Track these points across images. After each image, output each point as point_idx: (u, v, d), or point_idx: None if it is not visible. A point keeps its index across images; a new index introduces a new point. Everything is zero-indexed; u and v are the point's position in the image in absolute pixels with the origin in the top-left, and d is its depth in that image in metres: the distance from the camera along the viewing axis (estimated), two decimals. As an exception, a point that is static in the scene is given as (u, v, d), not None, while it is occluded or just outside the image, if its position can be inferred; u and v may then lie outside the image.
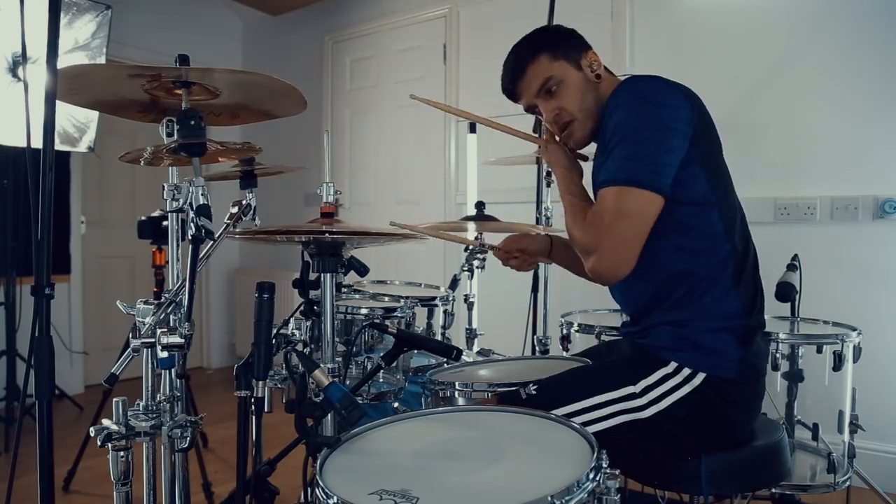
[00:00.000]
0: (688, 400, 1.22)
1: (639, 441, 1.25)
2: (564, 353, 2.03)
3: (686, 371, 1.23)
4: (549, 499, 0.78)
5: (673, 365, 1.24)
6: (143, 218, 2.44)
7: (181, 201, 1.16)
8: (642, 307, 1.35)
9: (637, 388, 1.23)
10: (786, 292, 1.95)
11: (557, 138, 1.46)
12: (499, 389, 1.34)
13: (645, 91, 1.27)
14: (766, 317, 1.36)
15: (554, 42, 1.40)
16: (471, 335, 2.40)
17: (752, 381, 1.28)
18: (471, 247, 1.75)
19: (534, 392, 1.26)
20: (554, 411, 1.15)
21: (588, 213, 1.28)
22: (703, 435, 1.26)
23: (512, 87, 1.45)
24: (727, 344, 1.24)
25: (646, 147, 1.22)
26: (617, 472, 0.86)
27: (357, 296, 2.12)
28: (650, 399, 1.23)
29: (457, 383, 1.37)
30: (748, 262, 1.31)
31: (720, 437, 1.27)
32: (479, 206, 2.15)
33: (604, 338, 1.93)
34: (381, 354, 1.43)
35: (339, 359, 1.37)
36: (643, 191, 1.20)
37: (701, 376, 1.22)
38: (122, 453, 1.21)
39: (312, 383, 1.07)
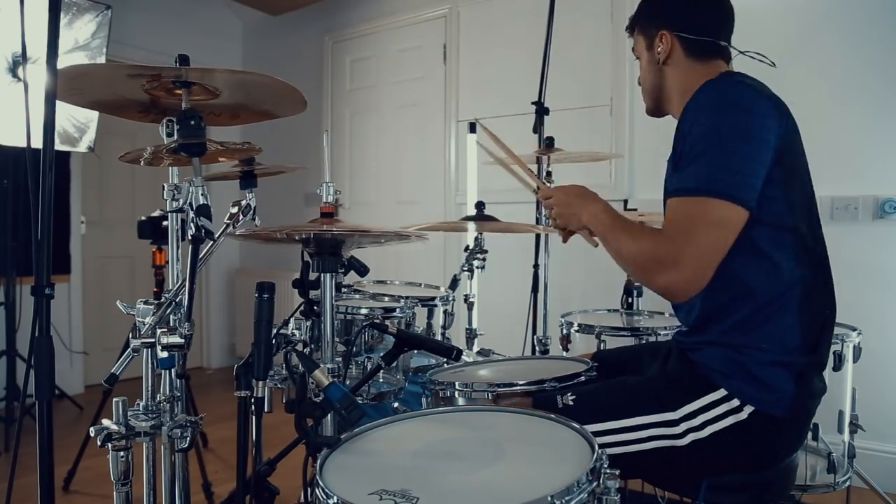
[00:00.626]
0: (729, 432, 1.15)
1: (666, 463, 1.19)
2: (564, 354, 2.03)
3: (735, 402, 1.15)
4: (549, 499, 0.78)
5: (722, 392, 1.16)
6: (143, 218, 2.44)
7: (181, 201, 1.16)
8: (701, 321, 1.25)
9: (676, 416, 1.16)
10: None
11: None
12: (531, 388, 1.29)
13: (732, 96, 1.17)
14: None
15: (644, 14, 1.39)
16: (471, 335, 2.40)
17: (799, 423, 1.21)
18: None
19: (571, 403, 1.21)
20: (589, 426, 1.06)
21: (664, 224, 1.17)
22: (735, 466, 1.19)
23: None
24: (782, 379, 1.16)
25: (734, 157, 1.12)
26: (617, 472, 0.86)
27: (357, 296, 2.12)
28: (689, 427, 1.16)
29: (457, 383, 1.37)
30: (818, 294, 1.21)
31: (750, 470, 1.21)
32: (479, 206, 2.15)
33: (604, 338, 1.92)
34: (381, 354, 1.43)
35: (339, 359, 1.36)
36: (729, 203, 1.10)
37: (748, 409, 1.15)
38: (122, 453, 1.21)
39: (312, 383, 1.07)
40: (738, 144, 1.13)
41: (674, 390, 1.20)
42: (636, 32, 1.41)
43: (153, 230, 2.40)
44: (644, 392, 1.24)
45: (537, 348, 2.47)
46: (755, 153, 1.13)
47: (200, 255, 1.16)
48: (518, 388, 1.30)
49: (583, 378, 1.33)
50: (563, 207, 1.34)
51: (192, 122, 1.13)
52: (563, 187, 1.37)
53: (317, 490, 0.86)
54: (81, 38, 3.17)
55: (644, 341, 1.89)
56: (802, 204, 1.21)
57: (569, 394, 1.22)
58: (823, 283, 1.24)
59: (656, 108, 1.43)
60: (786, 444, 1.21)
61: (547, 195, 1.39)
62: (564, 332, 2.06)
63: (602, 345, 1.93)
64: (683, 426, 1.16)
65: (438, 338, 2.16)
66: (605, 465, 0.87)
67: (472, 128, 2.82)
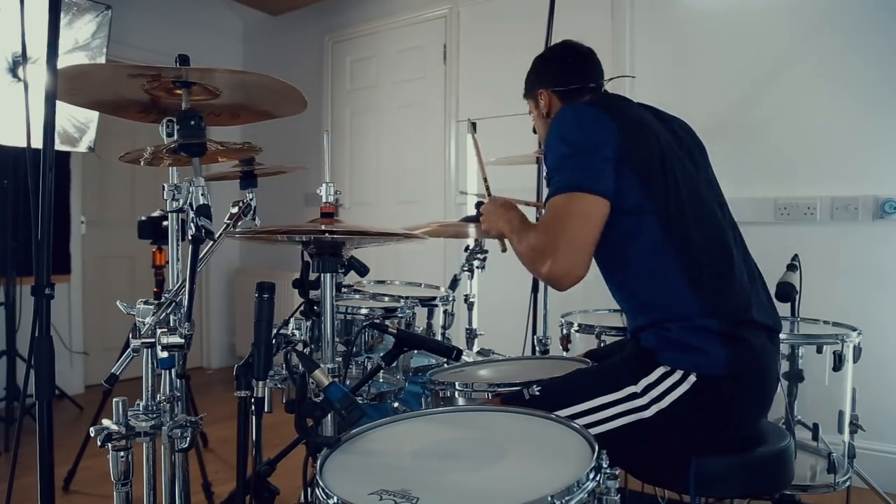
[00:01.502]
0: (685, 398, 1.23)
1: (643, 442, 1.26)
2: (564, 354, 2.03)
3: (679, 373, 1.25)
4: (550, 499, 0.78)
5: (665, 367, 1.26)
6: (143, 218, 2.44)
7: (181, 201, 1.16)
8: (627, 311, 1.42)
9: (638, 388, 1.25)
10: (786, 292, 1.95)
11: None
12: (501, 390, 1.35)
13: (564, 120, 1.37)
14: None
15: (528, 82, 1.65)
16: (471, 335, 2.40)
17: (746, 381, 1.28)
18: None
19: (537, 393, 1.27)
20: (557, 412, 1.16)
21: (540, 221, 1.36)
22: (703, 434, 1.26)
23: None
24: (708, 342, 1.25)
25: (582, 159, 1.31)
26: (617, 472, 0.86)
27: (357, 296, 2.12)
28: (651, 398, 1.24)
29: (457, 383, 1.37)
30: (713, 262, 1.32)
31: (721, 438, 1.27)
32: (479, 206, 2.15)
33: (604, 338, 1.93)
34: (381, 354, 1.43)
35: (339, 359, 1.36)
36: (588, 195, 1.28)
37: (693, 376, 1.24)
38: (122, 453, 1.21)
39: (312, 383, 1.07)
40: (582, 151, 1.32)
41: (630, 370, 1.29)
42: (527, 98, 1.66)
43: (153, 230, 2.40)
44: (605, 375, 1.34)
45: (537, 348, 2.47)
46: (599, 153, 1.30)
47: (200, 255, 1.16)
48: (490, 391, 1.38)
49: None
50: (488, 215, 1.57)
51: (192, 122, 1.13)
52: (493, 198, 1.62)
53: (317, 490, 0.86)
54: (81, 38, 3.17)
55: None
56: (663, 186, 1.33)
57: (535, 386, 1.29)
58: (720, 251, 1.34)
59: None
60: (742, 401, 1.28)
61: (482, 206, 1.63)
62: (564, 332, 2.06)
63: (601, 345, 1.94)
64: (646, 398, 1.25)
65: (438, 338, 2.16)
66: (606, 465, 0.87)
67: (473, 128, 2.82)
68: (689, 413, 1.24)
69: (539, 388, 1.28)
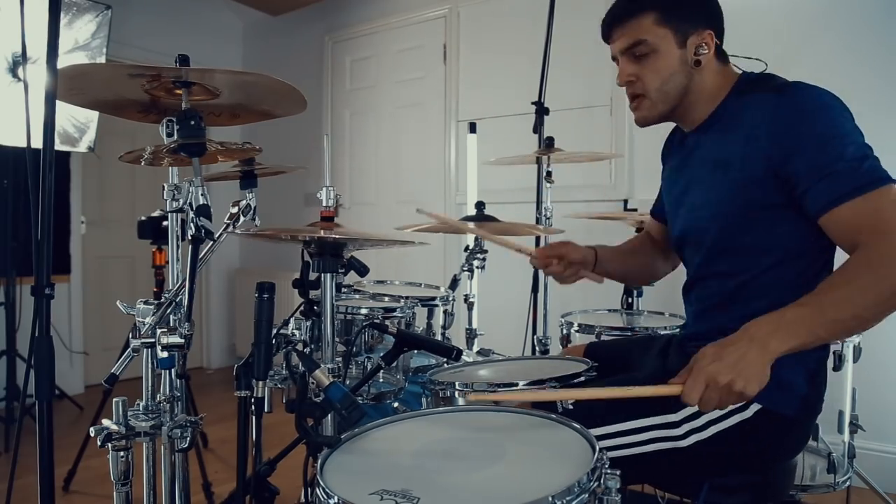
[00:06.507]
0: (733, 432, 1.11)
1: (670, 466, 1.16)
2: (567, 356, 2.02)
3: None
4: (550, 499, 0.78)
5: None
6: (143, 218, 2.44)
7: (181, 201, 1.16)
8: (712, 309, 1.23)
9: (677, 417, 1.13)
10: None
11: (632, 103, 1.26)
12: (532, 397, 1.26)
13: (835, 102, 1.10)
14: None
15: (682, 8, 1.20)
16: (471, 335, 2.40)
17: (807, 423, 1.17)
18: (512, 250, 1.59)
19: (570, 407, 1.17)
20: (590, 431, 1.04)
21: (852, 238, 1.02)
22: (737, 466, 1.17)
23: (608, 29, 1.26)
24: (796, 378, 1.11)
25: (868, 149, 1.07)
26: (617, 472, 0.86)
27: (357, 296, 2.12)
28: (691, 428, 1.12)
29: (457, 383, 1.37)
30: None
31: (752, 471, 1.18)
32: (479, 206, 2.15)
33: (603, 338, 1.92)
34: (381, 354, 1.43)
35: (339, 359, 1.37)
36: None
37: (755, 407, 1.10)
38: (122, 453, 1.21)
39: (312, 383, 1.07)
40: (860, 137, 1.08)
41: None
42: (659, 25, 1.19)
43: (153, 230, 2.40)
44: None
45: (537, 348, 2.47)
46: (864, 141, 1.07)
47: (200, 255, 1.16)
48: (521, 389, 1.28)
49: (583, 378, 1.33)
50: (728, 363, 0.96)
51: (192, 122, 1.13)
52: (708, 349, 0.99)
53: (317, 490, 0.86)
54: (81, 38, 3.17)
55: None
56: None
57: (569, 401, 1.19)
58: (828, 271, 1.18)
59: (669, 114, 1.27)
60: (792, 444, 1.19)
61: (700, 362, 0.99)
62: (564, 332, 2.05)
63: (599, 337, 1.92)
64: (685, 427, 1.13)
65: (438, 338, 2.16)
66: (606, 466, 0.87)
67: (472, 128, 2.82)
68: (732, 447, 1.12)
69: (573, 401, 1.17)
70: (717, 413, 1.10)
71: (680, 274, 1.45)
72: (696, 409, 1.06)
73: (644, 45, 1.20)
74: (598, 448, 0.90)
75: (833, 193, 1.03)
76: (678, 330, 1.70)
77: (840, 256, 1.17)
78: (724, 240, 1.21)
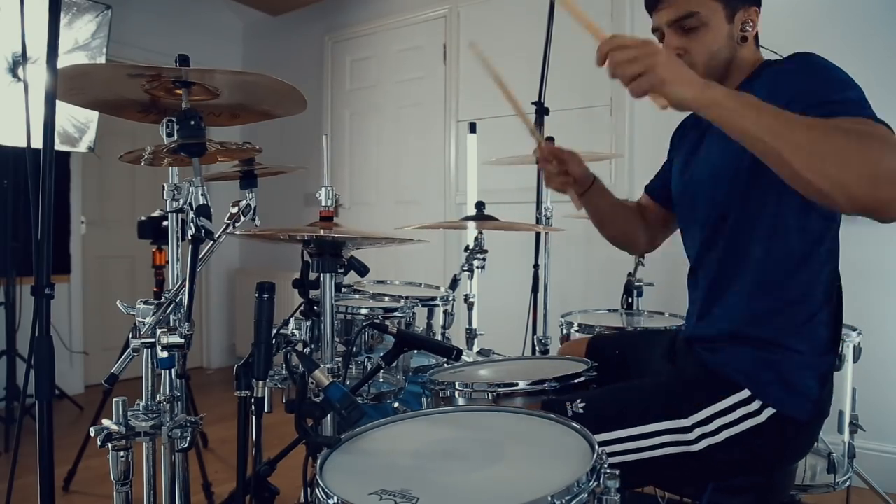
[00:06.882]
0: (745, 436, 1.11)
1: (679, 470, 1.16)
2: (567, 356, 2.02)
3: (756, 404, 1.10)
4: (550, 499, 0.78)
5: (746, 393, 1.10)
6: (143, 218, 2.44)
7: (181, 201, 1.16)
8: (725, 310, 1.19)
9: (688, 423, 1.12)
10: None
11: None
12: (536, 390, 1.27)
13: (832, 65, 1.11)
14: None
15: None
16: (471, 335, 2.40)
17: (817, 427, 1.17)
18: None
19: (581, 410, 1.16)
20: (600, 435, 1.05)
21: (857, 132, 0.95)
22: (746, 469, 1.17)
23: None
24: (810, 381, 1.10)
25: (867, 102, 1.06)
26: (617, 472, 0.86)
27: (357, 296, 2.12)
28: (703, 433, 1.12)
29: (457, 383, 1.37)
30: (837, 289, 1.17)
31: (760, 473, 1.19)
32: (479, 206, 2.15)
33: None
34: (381, 354, 1.43)
35: (339, 359, 1.37)
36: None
37: (769, 412, 1.10)
38: (122, 453, 1.21)
39: (312, 383, 1.07)
40: (862, 93, 1.08)
41: (689, 395, 1.16)
42: None
43: (153, 230, 2.40)
44: (657, 398, 1.20)
45: (537, 348, 2.47)
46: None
47: (200, 255, 1.16)
48: (521, 389, 1.29)
49: (583, 378, 1.33)
50: (671, 68, 0.95)
51: (192, 122, 1.13)
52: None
53: (317, 490, 0.86)
54: (81, 38, 3.17)
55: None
56: None
57: (578, 401, 1.18)
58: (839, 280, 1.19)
59: None
60: (802, 447, 1.19)
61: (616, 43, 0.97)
62: (564, 332, 2.06)
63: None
64: (697, 432, 1.12)
65: (438, 338, 2.16)
66: (606, 465, 0.87)
67: (473, 128, 2.82)
68: (743, 450, 1.12)
69: (583, 404, 1.16)
70: (731, 417, 1.11)
71: (680, 274, 1.45)
72: (709, 413, 1.10)
73: (695, 18, 1.18)
74: (597, 448, 0.90)
75: (832, 113, 1.00)
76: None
77: (842, 259, 1.17)
78: (732, 196, 1.17)
